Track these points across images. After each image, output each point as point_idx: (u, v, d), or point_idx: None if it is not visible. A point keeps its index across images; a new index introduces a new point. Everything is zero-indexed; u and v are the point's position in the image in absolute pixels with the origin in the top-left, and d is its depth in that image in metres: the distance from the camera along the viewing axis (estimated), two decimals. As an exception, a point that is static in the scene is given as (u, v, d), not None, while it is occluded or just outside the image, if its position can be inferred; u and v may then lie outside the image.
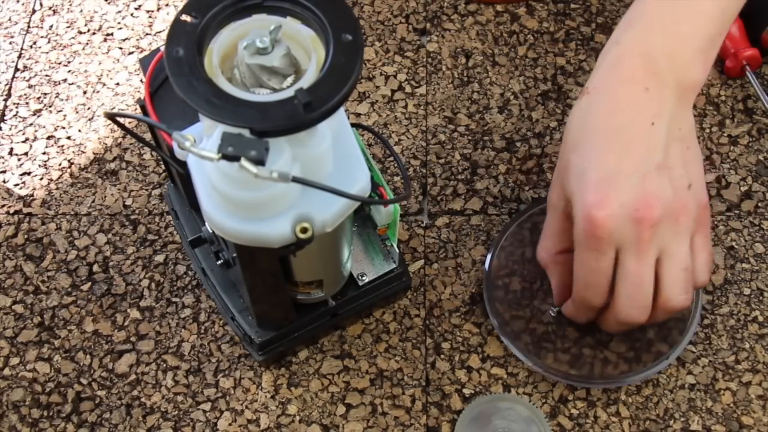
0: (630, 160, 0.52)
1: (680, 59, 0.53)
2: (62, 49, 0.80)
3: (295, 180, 0.42)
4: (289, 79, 0.44)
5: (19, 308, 0.67)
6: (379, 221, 0.58)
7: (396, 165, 0.72)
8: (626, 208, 0.51)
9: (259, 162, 0.41)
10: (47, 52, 0.79)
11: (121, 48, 0.79)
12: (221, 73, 0.43)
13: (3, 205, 0.72)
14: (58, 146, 0.74)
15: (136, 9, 0.82)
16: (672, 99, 0.53)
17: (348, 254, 0.59)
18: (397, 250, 0.62)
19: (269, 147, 0.41)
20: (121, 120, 0.51)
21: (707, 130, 0.73)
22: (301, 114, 0.41)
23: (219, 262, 0.58)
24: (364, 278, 0.62)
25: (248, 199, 0.45)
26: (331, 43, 0.43)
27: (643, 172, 0.52)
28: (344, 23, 0.44)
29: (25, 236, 0.70)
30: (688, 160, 0.54)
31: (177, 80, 0.42)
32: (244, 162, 0.40)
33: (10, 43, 0.80)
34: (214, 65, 0.44)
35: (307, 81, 0.43)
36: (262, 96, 0.43)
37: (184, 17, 0.43)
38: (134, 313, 0.66)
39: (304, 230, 0.46)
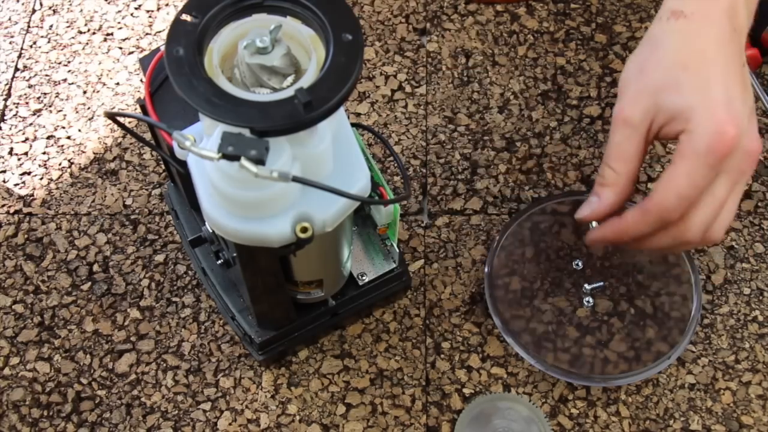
0: (744, 92, 0.53)
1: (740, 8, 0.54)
2: (62, 49, 0.80)
3: (295, 179, 0.42)
4: (289, 79, 0.44)
5: (19, 308, 0.67)
6: (379, 221, 0.58)
7: (396, 165, 0.72)
8: (742, 137, 0.52)
9: (260, 161, 0.41)
10: (47, 52, 0.79)
11: (121, 48, 0.79)
12: (221, 72, 0.43)
13: (3, 205, 0.72)
14: (58, 146, 0.74)
15: (136, 9, 0.82)
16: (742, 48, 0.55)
17: (348, 254, 0.59)
18: (397, 250, 0.62)
19: (269, 146, 0.41)
20: (121, 119, 0.51)
21: (707, 130, 0.73)
22: (301, 114, 0.41)
23: (219, 261, 0.57)
24: (364, 278, 0.62)
25: (248, 199, 0.45)
26: (331, 42, 0.43)
27: (750, 108, 0.53)
28: (344, 23, 0.44)
29: (25, 236, 0.70)
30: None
31: (177, 80, 0.42)
32: (244, 161, 0.40)
33: (10, 42, 0.80)
34: (215, 65, 0.44)
35: (307, 81, 0.43)
36: (262, 95, 0.43)
37: (184, 17, 0.43)
38: (134, 313, 0.66)
39: (304, 230, 0.46)
